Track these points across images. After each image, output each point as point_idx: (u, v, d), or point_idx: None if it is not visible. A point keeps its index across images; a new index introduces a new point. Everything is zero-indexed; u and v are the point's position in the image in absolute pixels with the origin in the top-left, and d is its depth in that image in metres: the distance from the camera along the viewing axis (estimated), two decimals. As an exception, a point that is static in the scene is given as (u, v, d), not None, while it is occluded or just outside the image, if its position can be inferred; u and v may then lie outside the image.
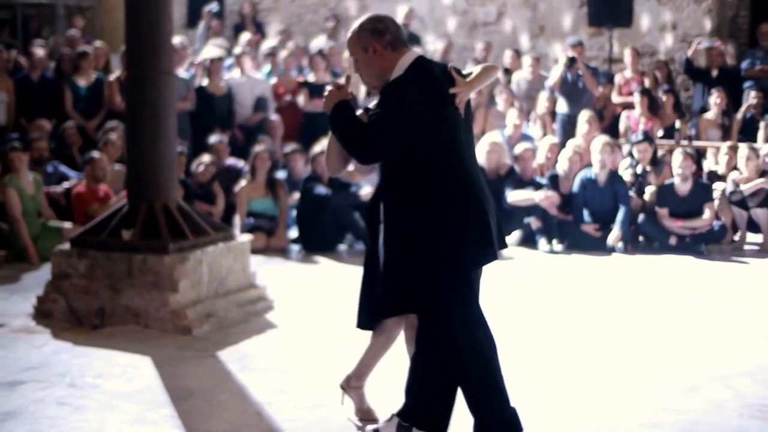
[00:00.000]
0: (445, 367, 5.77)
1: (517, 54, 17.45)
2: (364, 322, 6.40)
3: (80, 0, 21.53)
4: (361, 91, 13.01)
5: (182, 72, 14.74)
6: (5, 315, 9.26)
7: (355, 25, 5.81)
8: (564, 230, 12.82)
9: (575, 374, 7.64)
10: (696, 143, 14.66)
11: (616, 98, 16.08)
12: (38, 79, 14.98)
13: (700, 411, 6.81)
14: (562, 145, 13.99)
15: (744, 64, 16.07)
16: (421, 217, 5.58)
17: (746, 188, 12.72)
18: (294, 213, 13.03)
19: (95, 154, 12.62)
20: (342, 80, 5.88)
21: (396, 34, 5.76)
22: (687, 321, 9.32)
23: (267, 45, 17.68)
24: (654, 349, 8.37)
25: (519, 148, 13.59)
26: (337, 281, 10.44)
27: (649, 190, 13.11)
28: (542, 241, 12.73)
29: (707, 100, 15.52)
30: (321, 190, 12.50)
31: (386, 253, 5.68)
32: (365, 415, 6.51)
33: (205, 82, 15.39)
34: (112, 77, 15.08)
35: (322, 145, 12.13)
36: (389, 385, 6.62)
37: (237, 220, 12.68)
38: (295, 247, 12.80)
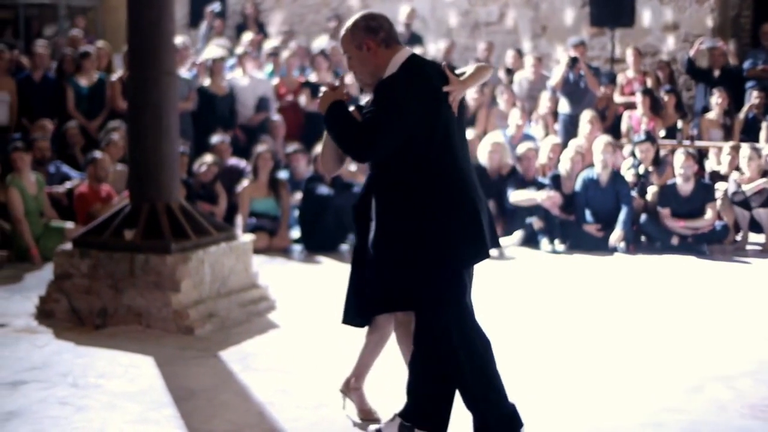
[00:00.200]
0: (442, 366, 5.76)
1: (519, 54, 17.44)
2: (350, 319, 6.41)
3: (82, 0, 21.53)
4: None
5: (184, 72, 14.75)
6: (7, 315, 9.27)
7: (349, 22, 5.79)
8: (566, 230, 12.82)
9: (577, 374, 7.64)
10: (698, 143, 14.65)
11: (618, 98, 16.07)
12: (40, 79, 14.98)
13: (702, 411, 6.81)
14: (564, 145, 13.99)
15: (746, 64, 16.06)
16: (413, 215, 5.56)
17: (749, 188, 12.72)
18: (296, 213, 13.03)
19: (97, 154, 12.62)
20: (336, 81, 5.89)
21: (389, 31, 5.74)
22: (689, 321, 9.32)
23: (269, 45, 17.67)
24: (656, 349, 8.37)
25: (521, 148, 13.59)
26: (340, 281, 10.39)
27: (651, 190, 13.11)
28: (544, 241, 12.73)
29: (709, 100, 15.51)
30: (323, 190, 12.50)
31: (377, 251, 5.67)
32: (367, 416, 6.51)
33: (207, 82, 15.40)
34: (114, 77, 15.09)
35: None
36: (390, 385, 6.62)
37: (239, 220, 12.68)
38: (298, 247, 12.80)
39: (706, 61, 16.37)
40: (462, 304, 5.76)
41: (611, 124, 15.60)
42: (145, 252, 8.85)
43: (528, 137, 14.65)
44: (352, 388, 6.56)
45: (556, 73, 15.67)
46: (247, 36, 18.00)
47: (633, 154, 13.81)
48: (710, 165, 14.43)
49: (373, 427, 6.19)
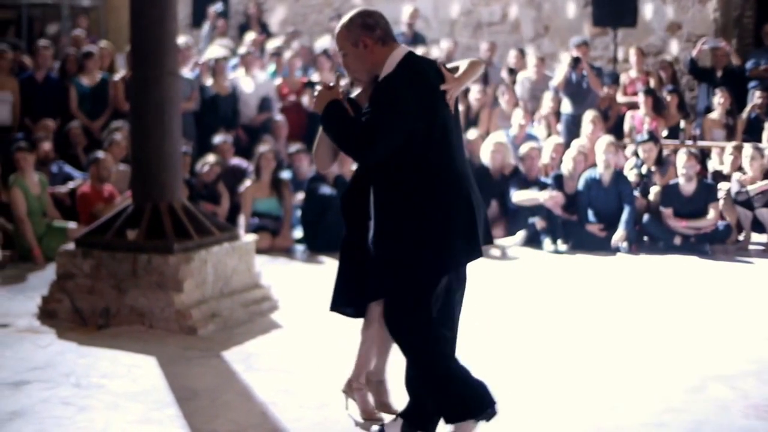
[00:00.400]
0: (418, 358, 5.72)
1: (522, 54, 17.43)
2: (338, 307, 6.44)
3: (85, 0, 21.54)
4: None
5: (187, 72, 14.75)
6: (10, 315, 9.27)
7: (345, 19, 5.75)
8: (568, 230, 12.82)
9: (580, 373, 7.64)
10: (700, 143, 14.64)
11: (620, 98, 16.06)
12: (43, 79, 14.98)
13: (705, 411, 6.80)
14: (567, 145, 13.98)
15: (749, 64, 16.05)
16: (411, 215, 5.54)
17: (753, 189, 12.71)
18: (299, 213, 13.04)
19: (100, 154, 12.63)
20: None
21: (386, 28, 5.71)
22: (692, 321, 9.32)
23: (272, 45, 17.68)
24: (659, 349, 8.37)
25: (524, 148, 13.59)
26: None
27: (654, 191, 13.11)
28: (547, 241, 12.73)
29: (712, 100, 15.51)
30: (326, 190, 12.50)
31: (376, 250, 5.65)
32: (370, 416, 6.51)
33: (209, 82, 15.40)
34: (117, 77, 15.10)
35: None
36: (393, 384, 6.62)
37: (242, 220, 12.69)
38: (300, 247, 12.80)
39: (709, 61, 16.36)
40: (432, 303, 5.68)
41: (614, 124, 15.60)
42: (147, 252, 8.85)
43: (531, 137, 14.65)
44: (354, 388, 6.57)
45: (559, 73, 15.67)
46: (250, 36, 18.00)
47: (636, 154, 13.81)
48: (713, 165, 14.42)
49: (375, 427, 6.19)
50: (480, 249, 5.73)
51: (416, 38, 17.66)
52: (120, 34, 19.27)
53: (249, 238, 9.97)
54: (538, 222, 12.83)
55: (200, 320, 8.71)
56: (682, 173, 12.76)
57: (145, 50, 9.07)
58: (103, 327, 8.80)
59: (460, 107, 14.57)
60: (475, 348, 7.97)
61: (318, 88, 5.84)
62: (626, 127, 15.42)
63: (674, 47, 18.21)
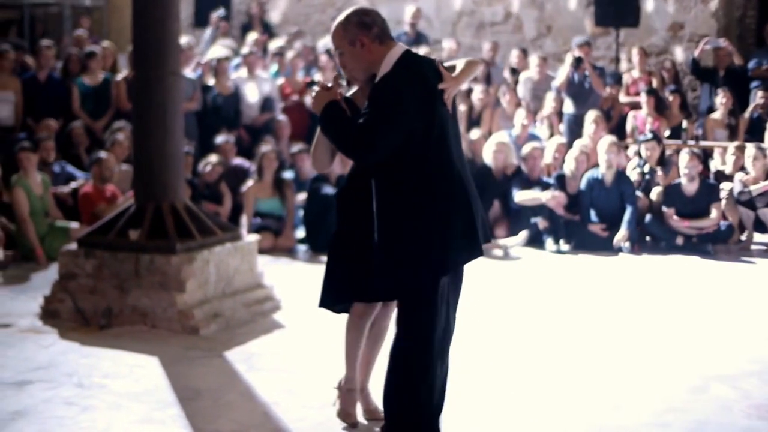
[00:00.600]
0: (407, 355, 5.68)
1: (524, 54, 17.44)
2: (326, 303, 6.45)
3: (87, 0, 21.54)
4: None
5: (189, 72, 14.75)
6: (12, 315, 9.28)
7: (341, 17, 5.72)
8: (571, 230, 12.83)
9: (582, 373, 7.64)
10: (703, 143, 14.64)
11: (623, 98, 16.07)
12: (45, 79, 14.98)
13: (707, 411, 6.81)
14: (569, 145, 13.98)
15: (751, 64, 16.04)
16: (410, 214, 5.52)
17: (755, 189, 12.70)
18: (301, 213, 13.03)
19: (102, 154, 12.63)
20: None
21: (383, 27, 5.68)
22: (694, 321, 9.32)
23: (274, 45, 17.68)
24: (661, 349, 8.37)
25: (527, 148, 13.58)
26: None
27: (656, 191, 13.11)
28: (549, 241, 12.73)
29: (714, 100, 15.50)
30: (328, 190, 12.49)
31: (378, 249, 5.63)
32: (373, 415, 6.51)
33: (211, 81, 15.40)
34: (120, 77, 15.10)
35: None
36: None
37: (244, 220, 12.69)
38: (302, 247, 12.81)
39: (711, 61, 16.35)
40: (441, 301, 5.67)
41: (616, 125, 15.60)
42: (150, 252, 8.86)
43: (533, 137, 14.64)
44: (341, 387, 6.57)
45: (561, 73, 15.66)
46: (252, 36, 18.00)
47: (639, 154, 13.81)
48: (715, 165, 14.42)
49: (378, 427, 6.20)
50: (480, 248, 5.71)
51: (419, 38, 17.66)
52: (122, 34, 19.28)
53: (251, 238, 9.98)
54: (541, 222, 12.83)
55: (202, 320, 8.72)
56: (685, 173, 12.76)
57: (147, 50, 9.07)
58: (106, 327, 8.80)
59: (462, 107, 14.68)
60: (477, 348, 7.99)
61: (315, 88, 5.81)
62: (628, 127, 15.41)
63: (676, 47, 18.20)
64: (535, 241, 12.86)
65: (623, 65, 17.31)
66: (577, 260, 12.22)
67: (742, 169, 13.23)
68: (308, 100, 15.79)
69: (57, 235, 11.77)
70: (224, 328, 8.83)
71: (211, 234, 9.23)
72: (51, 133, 13.73)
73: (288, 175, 13.49)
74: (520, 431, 6.47)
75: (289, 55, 16.95)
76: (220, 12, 19.38)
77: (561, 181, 13.09)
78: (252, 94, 15.62)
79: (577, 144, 13.66)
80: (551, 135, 15.21)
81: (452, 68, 5.81)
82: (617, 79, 16.32)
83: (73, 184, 13.05)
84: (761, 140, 13.98)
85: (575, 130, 15.02)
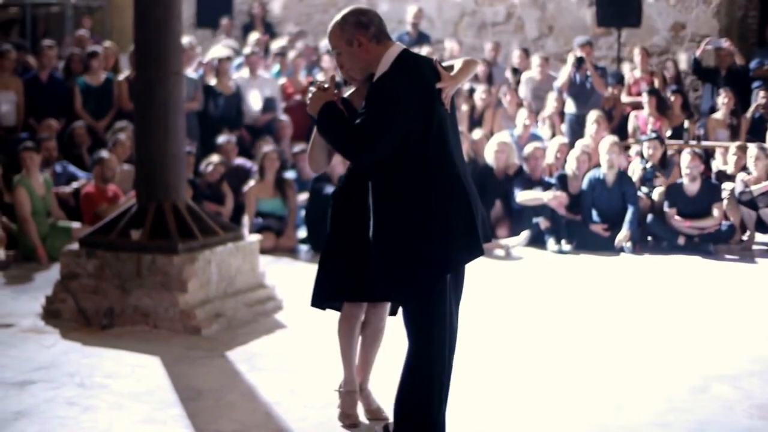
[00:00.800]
0: (415, 362, 5.66)
1: (526, 54, 17.44)
2: (317, 302, 6.47)
3: (89, 0, 21.54)
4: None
5: (190, 72, 14.75)
6: (14, 315, 9.28)
7: (338, 17, 5.67)
8: (572, 230, 12.83)
9: (584, 373, 7.64)
10: (704, 143, 14.64)
11: (625, 98, 16.07)
12: (47, 79, 14.99)
13: (709, 411, 6.81)
14: (571, 145, 13.98)
15: (752, 64, 16.04)
16: (409, 214, 5.50)
17: (757, 189, 12.70)
18: (303, 213, 13.03)
19: (104, 154, 12.63)
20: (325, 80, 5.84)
21: (380, 26, 5.64)
22: (695, 321, 9.32)
23: (276, 45, 17.68)
24: (662, 349, 8.37)
25: (529, 148, 13.58)
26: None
27: (658, 191, 13.11)
28: (551, 241, 12.73)
29: (716, 100, 15.50)
30: (330, 190, 12.46)
31: (376, 248, 5.63)
32: (375, 415, 6.52)
33: (213, 81, 15.41)
34: (121, 77, 15.10)
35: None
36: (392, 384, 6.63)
37: (246, 220, 12.69)
38: (304, 247, 12.81)
39: (713, 61, 16.35)
40: (444, 303, 5.66)
41: (618, 124, 15.60)
42: (151, 252, 8.86)
43: (535, 137, 14.64)
44: (339, 389, 6.58)
45: (563, 74, 15.66)
46: (254, 36, 18.01)
47: (641, 155, 13.81)
48: (717, 165, 14.43)
49: (379, 426, 6.20)
50: (481, 247, 5.69)
51: (421, 38, 17.67)
52: (124, 34, 19.28)
53: (253, 238, 9.99)
54: (542, 222, 12.83)
55: (204, 320, 8.72)
56: (686, 173, 12.76)
57: (149, 50, 9.07)
58: (107, 327, 8.81)
59: (465, 107, 14.64)
60: (478, 348, 7.99)
61: (312, 89, 5.79)
62: (630, 127, 15.42)
63: (678, 47, 18.20)
64: (537, 241, 12.86)
65: (625, 66, 17.31)
66: (579, 260, 12.22)
67: (744, 169, 13.23)
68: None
69: (59, 235, 11.76)
70: (226, 328, 8.84)
71: (213, 234, 9.24)
72: (52, 133, 13.73)
73: (290, 175, 13.49)
74: (521, 431, 6.48)
75: (291, 55, 16.94)
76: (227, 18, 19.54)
77: (563, 181, 13.10)
78: (254, 94, 15.61)
79: (579, 144, 13.66)
80: (553, 135, 15.21)
81: (450, 68, 5.81)
82: (619, 79, 16.31)
83: (74, 184, 13.05)
84: (763, 140, 13.98)
85: (577, 130, 15.02)
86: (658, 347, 8.42)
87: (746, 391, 7.24)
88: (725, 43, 16.19)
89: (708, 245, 12.58)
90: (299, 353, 8.15)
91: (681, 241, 12.65)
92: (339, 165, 11.95)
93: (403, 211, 5.52)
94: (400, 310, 5.79)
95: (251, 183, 12.94)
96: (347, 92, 6.06)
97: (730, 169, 13.70)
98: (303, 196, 13.09)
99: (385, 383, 6.66)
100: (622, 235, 12.58)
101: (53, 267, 10.91)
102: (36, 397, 6.98)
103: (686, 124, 14.88)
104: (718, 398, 7.09)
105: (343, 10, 5.71)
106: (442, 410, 5.74)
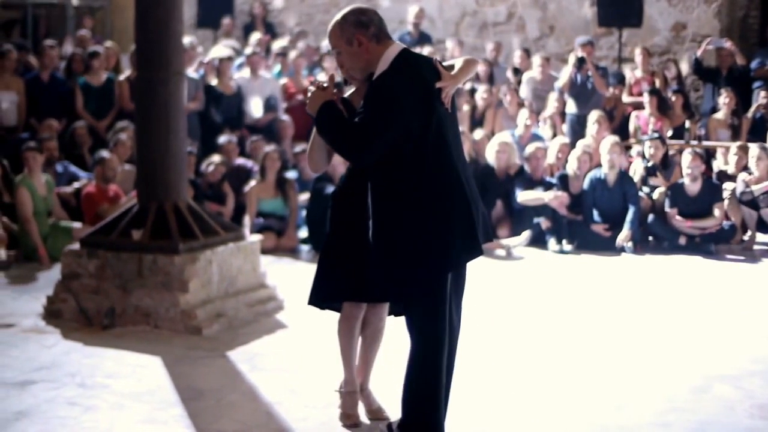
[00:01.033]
0: (432, 367, 5.67)
1: (527, 54, 17.44)
2: (314, 301, 6.48)
3: (90, 0, 21.54)
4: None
5: (191, 72, 14.75)
6: (15, 315, 9.28)
7: (338, 17, 5.69)
8: (573, 230, 12.83)
9: (584, 373, 7.64)
10: (705, 143, 14.64)
11: (626, 98, 16.06)
12: (48, 79, 14.99)
13: (710, 411, 6.81)
14: (572, 145, 13.98)
15: (753, 64, 16.04)
16: (409, 214, 5.51)
17: (757, 189, 12.70)
18: (304, 213, 13.03)
19: (105, 154, 12.63)
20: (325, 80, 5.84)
21: (380, 26, 5.65)
22: (696, 321, 9.32)
23: (277, 45, 17.68)
24: (663, 349, 8.37)
25: (530, 148, 13.59)
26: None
27: (659, 191, 13.11)
28: (552, 241, 12.73)
29: (717, 100, 15.50)
30: (331, 189, 12.48)
31: (375, 248, 5.63)
32: (375, 415, 6.52)
33: (214, 81, 15.41)
34: (123, 77, 15.11)
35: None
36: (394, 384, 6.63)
37: (247, 220, 12.68)
38: (305, 247, 12.81)
39: (714, 62, 16.35)
40: (445, 302, 5.66)
41: (619, 125, 15.59)
42: (152, 252, 8.86)
43: (536, 137, 14.64)
44: (340, 390, 6.58)
45: (564, 74, 15.65)
46: (255, 36, 18.01)
47: (642, 155, 13.81)
48: (718, 165, 14.43)
49: (382, 425, 6.20)
50: (480, 247, 5.69)
51: (422, 38, 17.67)
52: (125, 34, 19.29)
53: (254, 238, 9.99)
54: (543, 222, 12.83)
55: (205, 320, 8.72)
56: (687, 173, 12.76)
57: (150, 50, 9.07)
58: (108, 327, 8.81)
59: (466, 107, 14.64)
60: (479, 348, 7.98)
61: (311, 89, 5.79)
62: (631, 127, 15.42)
63: (679, 47, 18.19)
64: (538, 241, 12.86)
65: (626, 66, 17.31)
66: (580, 260, 12.22)
67: (745, 169, 13.23)
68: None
69: (60, 235, 11.76)
70: (227, 328, 8.84)
71: (214, 234, 9.24)
72: (53, 133, 13.73)
73: (291, 175, 13.49)
74: (522, 431, 6.48)
75: (292, 55, 16.94)
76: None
77: (564, 181, 13.10)
78: (255, 102, 15.61)
79: (580, 144, 13.67)
80: (554, 135, 15.21)
81: (451, 68, 5.81)
82: (620, 79, 16.31)
83: (76, 184, 13.05)
84: (764, 140, 13.98)
85: (578, 130, 15.02)
86: (659, 347, 8.42)
87: (747, 391, 7.24)
88: (726, 43, 16.19)
89: (709, 245, 12.58)
90: (300, 353, 8.15)
91: (682, 241, 12.66)
92: (340, 165, 11.94)
93: (402, 211, 5.52)
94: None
95: (252, 183, 12.94)
96: (348, 92, 6.06)
97: (731, 169, 13.70)
98: (304, 196, 13.09)
99: (385, 383, 6.67)
100: (623, 235, 12.58)
101: (54, 267, 10.91)
102: (37, 397, 6.98)
103: (687, 124, 14.89)
104: (719, 398, 7.09)
105: (343, 10, 5.71)
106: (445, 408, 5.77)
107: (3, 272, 11.09)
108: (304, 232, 13.03)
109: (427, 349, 5.62)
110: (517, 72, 16.92)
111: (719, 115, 15.26)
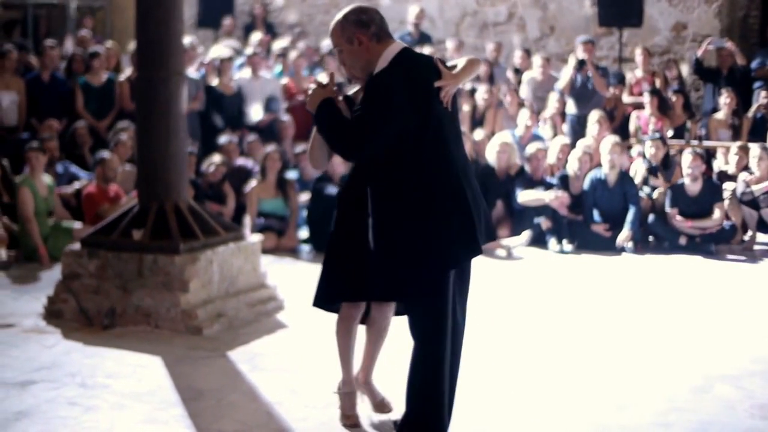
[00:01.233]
0: (435, 364, 5.68)
1: (527, 54, 17.44)
2: (319, 302, 6.48)
3: (91, 0, 21.55)
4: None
5: (192, 72, 14.75)
6: (16, 315, 9.28)
7: (339, 16, 5.71)
8: (574, 230, 12.83)
9: (585, 373, 7.64)
10: (706, 143, 14.64)
11: (626, 98, 16.06)
12: (49, 79, 15.00)
13: (711, 411, 6.81)
14: (573, 145, 13.98)
15: (754, 64, 16.05)
16: (408, 214, 5.53)
17: (758, 189, 12.70)
18: (305, 213, 13.04)
19: (106, 154, 12.63)
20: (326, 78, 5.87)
21: (381, 25, 5.68)
22: (697, 321, 9.32)
23: (278, 45, 17.68)
24: (664, 349, 8.37)
25: (531, 148, 13.60)
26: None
27: (659, 191, 13.11)
28: (552, 241, 12.73)
29: (717, 100, 15.50)
30: (332, 190, 12.48)
31: (376, 247, 5.64)
32: (381, 409, 6.53)
33: (215, 81, 15.41)
34: (123, 77, 15.11)
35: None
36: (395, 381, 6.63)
37: (247, 220, 12.68)
38: (306, 247, 12.81)
39: (714, 62, 16.35)
40: (446, 301, 5.68)
41: (619, 125, 15.59)
42: (153, 252, 8.86)
43: (536, 137, 14.65)
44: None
45: (564, 76, 15.65)
46: (256, 36, 18.01)
47: (642, 155, 13.81)
48: (718, 165, 14.43)
49: (391, 421, 6.23)
50: (479, 246, 5.69)
51: (422, 38, 17.67)
52: (126, 34, 19.29)
53: (254, 238, 9.99)
54: (544, 222, 12.83)
55: (206, 320, 8.72)
56: (688, 173, 12.76)
57: (150, 50, 9.07)
58: (109, 327, 8.81)
59: (466, 107, 14.63)
60: (480, 348, 7.98)
61: (312, 86, 5.82)
62: (632, 127, 15.42)
63: (679, 47, 18.19)
64: (539, 241, 12.86)
65: (626, 66, 17.31)
66: (580, 260, 12.22)
67: (745, 169, 13.24)
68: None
69: (60, 235, 11.76)
70: (227, 328, 8.84)
71: (215, 234, 9.24)
72: (53, 133, 13.73)
73: (291, 175, 13.50)
74: (523, 430, 6.48)
75: (293, 55, 16.94)
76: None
77: (564, 182, 13.10)
78: (255, 108, 15.60)
79: (581, 144, 13.67)
80: (554, 135, 15.21)
81: (453, 67, 5.81)
82: (620, 79, 16.31)
83: (76, 184, 13.05)
84: (764, 140, 13.99)
85: (578, 130, 15.03)
86: (660, 347, 8.42)
87: (748, 391, 7.24)
88: (727, 44, 16.19)
89: (709, 245, 12.58)
90: (301, 353, 8.15)
91: (682, 241, 12.66)
92: (340, 165, 11.98)
93: (402, 211, 5.54)
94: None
95: (253, 183, 12.94)
96: (352, 90, 6.07)
97: (731, 169, 13.71)
98: (305, 197, 13.10)
99: (386, 383, 6.67)
100: (624, 236, 12.58)
101: (55, 267, 10.91)
102: (37, 397, 6.98)
103: (688, 124, 14.89)
104: (719, 398, 7.09)
105: (345, 9, 5.73)
106: (449, 403, 5.79)
107: (3, 272, 11.10)
108: (304, 232, 13.04)
109: (429, 349, 5.63)
110: (518, 72, 16.92)
111: (720, 115, 15.26)
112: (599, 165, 13.11)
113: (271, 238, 12.40)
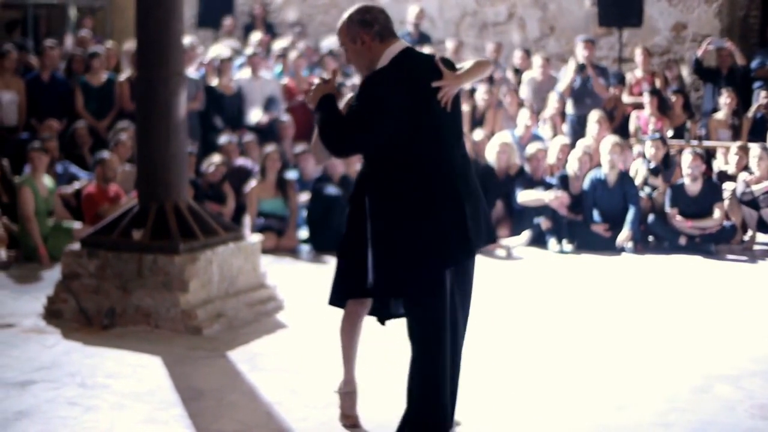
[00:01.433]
0: (433, 361, 5.69)
1: (527, 54, 17.43)
2: (335, 301, 6.47)
3: (91, 0, 21.54)
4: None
5: (192, 72, 14.75)
6: (16, 315, 9.28)
7: (345, 15, 5.82)
8: (574, 230, 12.83)
9: (585, 373, 7.64)
10: (706, 143, 14.64)
11: (626, 98, 16.05)
12: (49, 79, 14.99)
13: (711, 411, 6.81)
14: (573, 145, 13.98)
15: (754, 64, 16.03)
16: (406, 214, 5.56)
17: (758, 189, 12.70)
18: (304, 213, 13.04)
19: (106, 154, 12.63)
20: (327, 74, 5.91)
21: (385, 24, 5.74)
22: (697, 321, 9.32)
23: (278, 45, 17.68)
24: (664, 349, 8.37)
25: (531, 148, 13.60)
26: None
27: (659, 191, 13.11)
28: (552, 241, 12.73)
29: (717, 100, 15.50)
30: (331, 190, 12.50)
31: (375, 247, 5.65)
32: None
33: (215, 81, 15.41)
34: (123, 77, 15.11)
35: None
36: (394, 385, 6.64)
37: (247, 220, 12.68)
38: (305, 247, 12.80)
39: (714, 62, 16.35)
40: (444, 301, 5.68)
41: (619, 125, 15.59)
42: (153, 252, 8.86)
43: (536, 137, 14.65)
44: (339, 390, 6.59)
45: (564, 79, 15.63)
46: (256, 36, 18.00)
47: (642, 155, 13.81)
48: (718, 165, 14.43)
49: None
50: (472, 245, 5.70)
51: (422, 38, 17.66)
52: (125, 34, 19.27)
53: (254, 238, 9.99)
54: (544, 222, 12.83)
55: (205, 320, 8.72)
56: (688, 173, 12.76)
57: (150, 50, 9.07)
58: (109, 327, 8.81)
59: (465, 107, 14.62)
60: (480, 348, 7.98)
61: (315, 81, 5.88)
62: (632, 127, 15.41)
63: (679, 47, 18.19)
64: (538, 241, 12.86)
65: (626, 66, 17.31)
66: (580, 260, 12.22)
67: (745, 169, 13.24)
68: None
69: (60, 235, 11.75)
70: (227, 328, 8.84)
71: (214, 234, 9.24)
72: (53, 133, 13.73)
73: (291, 175, 13.49)
74: (523, 430, 6.48)
75: (293, 55, 16.93)
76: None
77: (564, 182, 13.10)
78: (255, 94, 15.60)
79: (580, 144, 13.66)
80: (554, 135, 15.21)
81: (460, 69, 5.83)
82: (620, 79, 16.30)
83: (76, 184, 13.05)
84: (764, 140, 13.98)
85: (578, 130, 15.02)
86: (660, 347, 8.42)
87: (748, 391, 7.25)
88: (727, 44, 16.19)
89: (709, 245, 12.58)
90: (300, 353, 8.15)
91: (682, 241, 12.66)
92: (340, 165, 11.99)
93: (401, 212, 5.56)
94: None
95: (253, 183, 12.94)
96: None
97: (731, 169, 13.71)
98: (304, 197, 13.09)
99: (387, 383, 6.67)
100: (624, 236, 12.58)
101: (55, 267, 10.90)
102: (37, 397, 6.98)
103: (688, 124, 14.89)
104: (719, 398, 7.09)
105: (351, 8, 5.81)
106: (451, 403, 5.80)
107: (3, 272, 11.10)
108: (304, 233, 13.04)
109: (429, 349, 5.64)
110: (518, 72, 16.92)
111: (720, 115, 15.26)
112: (599, 165, 13.11)
113: (271, 238, 12.39)
